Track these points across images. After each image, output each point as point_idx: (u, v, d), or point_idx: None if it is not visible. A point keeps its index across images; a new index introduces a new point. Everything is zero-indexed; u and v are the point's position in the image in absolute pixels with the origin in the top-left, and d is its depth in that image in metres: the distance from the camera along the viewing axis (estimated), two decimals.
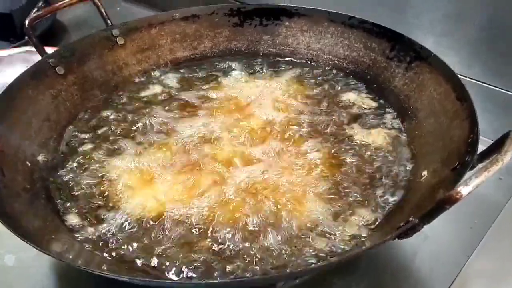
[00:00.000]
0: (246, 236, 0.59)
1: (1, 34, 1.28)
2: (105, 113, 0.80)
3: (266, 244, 0.58)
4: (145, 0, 1.33)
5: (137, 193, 0.66)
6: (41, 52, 0.78)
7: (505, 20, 0.81)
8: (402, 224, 0.49)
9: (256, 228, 0.60)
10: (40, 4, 1.29)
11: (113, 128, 0.77)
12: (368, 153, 0.70)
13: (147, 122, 0.78)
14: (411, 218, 0.48)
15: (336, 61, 0.86)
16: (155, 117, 0.79)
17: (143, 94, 0.85)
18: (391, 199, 0.63)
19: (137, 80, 0.87)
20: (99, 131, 0.77)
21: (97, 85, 0.83)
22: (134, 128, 0.77)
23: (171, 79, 0.87)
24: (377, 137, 0.72)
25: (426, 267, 0.67)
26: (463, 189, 0.44)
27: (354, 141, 0.72)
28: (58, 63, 0.78)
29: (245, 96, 0.83)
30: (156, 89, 0.85)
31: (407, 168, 0.67)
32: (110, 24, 0.85)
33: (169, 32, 0.90)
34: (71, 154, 0.72)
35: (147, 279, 0.53)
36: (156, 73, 0.89)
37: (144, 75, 0.88)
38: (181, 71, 0.89)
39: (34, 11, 0.78)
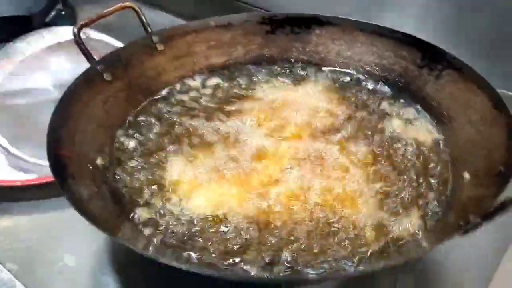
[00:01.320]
0: (301, 234, 0.64)
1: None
2: (151, 117, 0.83)
3: (327, 241, 0.63)
4: (166, 7, 1.37)
5: (195, 193, 0.69)
6: (90, 59, 0.80)
7: None
8: (462, 224, 0.55)
9: (311, 227, 0.65)
10: (59, 7, 1.32)
11: (159, 131, 0.81)
12: (408, 154, 0.75)
13: (191, 126, 0.81)
14: (471, 217, 0.54)
15: (367, 68, 0.91)
16: (197, 121, 0.82)
17: (183, 99, 0.88)
18: (438, 199, 0.68)
19: (175, 85, 0.90)
20: (147, 135, 0.80)
21: (141, 91, 0.86)
22: (180, 131, 0.80)
23: (208, 85, 0.91)
24: (415, 138, 0.78)
25: (461, 264, 0.72)
26: None
27: (394, 142, 0.77)
28: (106, 70, 0.81)
29: (281, 102, 0.87)
30: (194, 94, 0.89)
31: (449, 170, 0.72)
32: (150, 31, 0.88)
33: (204, 39, 0.93)
34: (125, 158, 0.75)
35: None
36: (193, 79, 0.92)
37: (182, 81, 0.91)
38: (217, 77, 0.93)
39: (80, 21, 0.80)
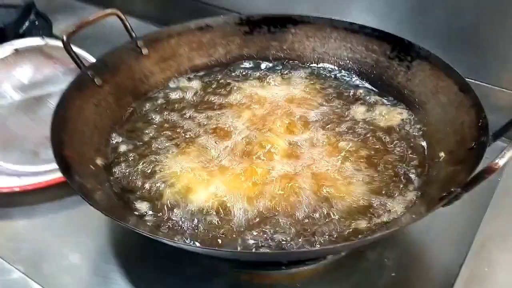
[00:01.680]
0: (294, 216, 0.69)
1: None
2: (142, 118, 0.87)
3: (318, 222, 0.68)
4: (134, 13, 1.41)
5: (193, 186, 0.73)
6: (80, 65, 0.83)
7: None
8: (445, 194, 0.61)
9: (303, 210, 0.70)
10: (32, 17, 1.33)
11: (152, 130, 0.85)
12: (387, 138, 0.81)
13: (180, 124, 0.86)
14: (452, 189, 0.60)
15: (341, 63, 0.97)
16: (187, 118, 0.87)
17: (170, 99, 0.92)
18: (418, 177, 0.74)
19: (162, 86, 0.94)
20: (140, 134, 0.84)
21: (129, 93, 0.90)
22: (171, 130, 0.85)
23: (193, 85, 0.95)
24: (391, 125, 0.84)
25: (441, 238, 0.79)
26: (500, 161, 0.55)
27: (371, 129, 0.83)
28: (96, 75, 0.84)
29: (263, 97, 0.92)
30: (181, 93, 0.93)
31: (425, 151, 0.78)
32: (135, 36, 0.91)
33: (186, 42, 0.97)
34: (122, 157, 0.79)
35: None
36: (179, 80, 0.96)
37: (168, 82, 0.95)
38: (201, 77, 0.97)
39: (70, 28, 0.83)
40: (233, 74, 0.98)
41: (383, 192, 0.72)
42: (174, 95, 0.93)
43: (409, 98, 0.87)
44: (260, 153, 0.79)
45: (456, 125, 0.75)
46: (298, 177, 0.74)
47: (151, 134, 0.84)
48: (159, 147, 0.81)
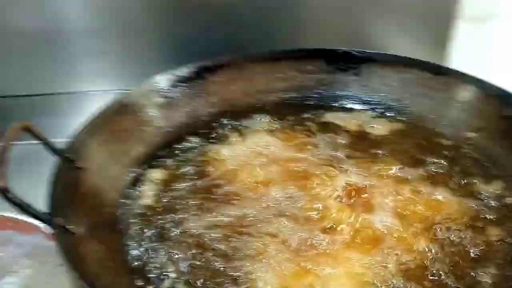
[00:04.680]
0: None
1: None
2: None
3: None
4: None
5: None
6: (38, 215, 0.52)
7: None
8: None
9: None
10: None
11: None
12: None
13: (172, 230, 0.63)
14: None
15: (282, 96, 0.86)
16: (172, 222, 0.64)
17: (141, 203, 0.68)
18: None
19: (125, 195, 0.68)
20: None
21: (105, 226, 0.61)
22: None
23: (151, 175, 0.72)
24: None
25: None
26: None
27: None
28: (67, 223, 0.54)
29: (237, 164, 0.74)
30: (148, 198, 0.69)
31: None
32: (58, 149, 0.62)
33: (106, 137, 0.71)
34: None
35: None
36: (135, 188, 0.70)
37: (129, 191, 0.69)
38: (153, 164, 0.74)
39: None
40: (181, 154, 0.77)
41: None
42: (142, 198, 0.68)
43: (380, 103, 0.83)
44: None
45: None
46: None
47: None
48: None
